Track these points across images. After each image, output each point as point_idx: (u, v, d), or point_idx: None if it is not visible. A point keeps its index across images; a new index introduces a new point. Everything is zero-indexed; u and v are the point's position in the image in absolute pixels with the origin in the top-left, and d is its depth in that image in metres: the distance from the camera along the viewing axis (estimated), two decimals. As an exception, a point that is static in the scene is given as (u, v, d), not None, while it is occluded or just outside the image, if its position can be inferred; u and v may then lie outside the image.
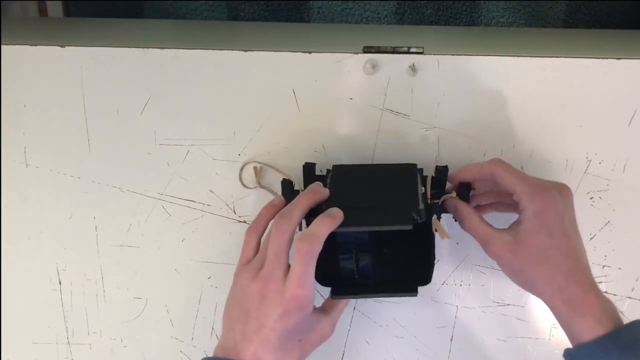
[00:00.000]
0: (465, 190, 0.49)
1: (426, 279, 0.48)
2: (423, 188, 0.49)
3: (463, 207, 0.48)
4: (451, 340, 0.58)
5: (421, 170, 0.51)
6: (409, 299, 0.57)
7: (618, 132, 0.53)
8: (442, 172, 0.50)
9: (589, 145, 0.53)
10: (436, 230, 0.47)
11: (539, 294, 0.46)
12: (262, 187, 0.55)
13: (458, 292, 0.57)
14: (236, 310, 0.45)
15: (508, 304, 0.57)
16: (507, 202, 0.51)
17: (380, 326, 0.58)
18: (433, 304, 0.57)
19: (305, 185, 0.50)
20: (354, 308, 0.58)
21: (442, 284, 0.57)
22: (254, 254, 0.48)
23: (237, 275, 0.47)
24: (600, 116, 0.53)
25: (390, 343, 0.58)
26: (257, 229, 0.48)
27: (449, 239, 0.48)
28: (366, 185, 0.48)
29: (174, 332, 0.59)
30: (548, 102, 0.53)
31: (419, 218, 0.45)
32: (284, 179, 0.51)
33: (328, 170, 0.52)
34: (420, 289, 0.48)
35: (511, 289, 0.57)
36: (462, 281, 0.57)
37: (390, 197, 0.47)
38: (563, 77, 0.52)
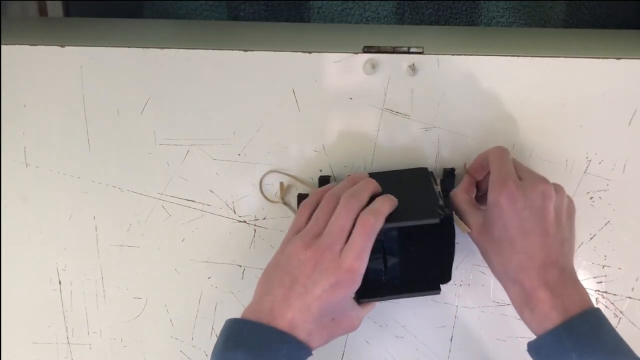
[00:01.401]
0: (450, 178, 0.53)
1: (447, 276, 0.50)
2: (438, 187, 0.50)
3: (460, 193, 0.51)
4: (451, 340, 0.58)
5: (432, 172, 0.53)
6: (409, 298, 0.57)
7: (618, 132, 0.53)
8: (449, 174, 0.52)
9: (589, 145, 0.53)
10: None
11: (498, 280, 0.48)
12: (285, 203, 0.55)
13: (458, 292, 0.57)
14: (280, 275, 0.45)
15: (508, 304, 0.57)
16: None
17: (380, 326, 0.58)
18: (433, 304, 0.57)
19: None
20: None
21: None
22: (305, 225, 0.47)
23: (287, 242, 0.47)
24: (600, 116, 0.53)
25: (390, 343, 0.58)
26: (312, 204, 0.48)
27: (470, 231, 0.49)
28: (385, 190, 0.49)
29: (174, 332, 0.59)
30: (548, 102, 0.53)
31: (443, 213, 0.46)
32: (299, 194, 0.53)
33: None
34: None
35: (511, 289, 0.57)
36: (462, 281, 0.57)
37: (410, 197, 0.48)
38: (563, 77, 0.52)
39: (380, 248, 0.51)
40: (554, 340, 0.42)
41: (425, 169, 0.52)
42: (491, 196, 0.46)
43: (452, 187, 0.52)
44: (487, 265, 0.55)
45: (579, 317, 0.42)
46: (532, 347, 0.45)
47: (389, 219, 0.45)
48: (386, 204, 0.46)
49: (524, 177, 0.47)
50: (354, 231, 0.44)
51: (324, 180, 0.53)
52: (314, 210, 0.48)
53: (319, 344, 0.45)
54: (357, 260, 0.43)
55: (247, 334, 0.43)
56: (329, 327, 0.45)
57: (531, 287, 0.44)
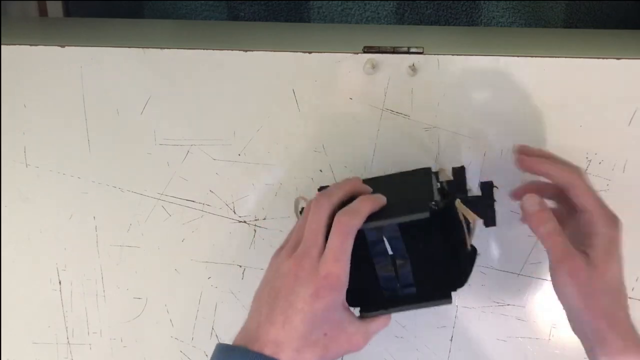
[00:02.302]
0: (489, 192, 0.50)
1: (460, 282, 0.47)
2: (439, 183, 0.49)
3: (545, 210, 0.45)
4: (451, 340, 0.58)
5: (436, 172, 0.51)
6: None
7: (618, 132, 0.53)
8: (458, 173, 0.50)
9: (589, 145, 0.53)
10: (465, 219, 0.45)
11: (592, 321, 0.44)
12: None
13: (458, 292, 0.57)
14: (267, 291, 0.43)
15: (508, 304, 0.57)
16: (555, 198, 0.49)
17: (380, 326, 0.58)
18: (433, 304, 0.57)
19: None
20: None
21: (442, 284, 0.57)
22: None
23: (273, 256, 0.45)
24: (600, 116, 0.53)
25: (390, 343, 0.58)
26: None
27: (481, 221, 0.47)
28: (383, 192, 0.47)
29: (174, 332, 0.59)
30: (548, 102, 0.52)
31: (436, 207, 0.44)
32: (320, 187, 0.50)
33: None
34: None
35: (511, 289, 0.56)
36: (462, 281, 0.57)
37: (406, 197, 0.46)
38: (563, 77, 0.52)
39: (385, 250, 0.48)
40: None
41: (428, 168, 0.50)
42: (608, 234, 0.44)
43: (465, 186, 0.50)
44: (487, 266, 0.56)
45: None
46: None
47: (376, 217, 0.43)
48: (366, 203, 0.43)
49: (593, 244, 0.44)
50: (330, 233, 0.42)
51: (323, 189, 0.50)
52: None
53: None
54: (334, 264, 0.41)
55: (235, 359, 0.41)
56: (321, 343, 0.42)
57: (631, 322, 0.43)
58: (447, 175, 0.51)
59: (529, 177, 0.52)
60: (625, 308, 0.44)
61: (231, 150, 0.55)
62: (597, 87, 0.52)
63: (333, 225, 0.42)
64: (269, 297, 0.42)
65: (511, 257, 0.56)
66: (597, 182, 0.54)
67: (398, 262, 0.47)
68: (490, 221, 0.51)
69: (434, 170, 0.51)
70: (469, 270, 0.46)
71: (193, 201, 0.56)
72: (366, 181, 0.50)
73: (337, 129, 0.54)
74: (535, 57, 0.52)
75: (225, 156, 0.55)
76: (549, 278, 0.56)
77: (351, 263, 0.42)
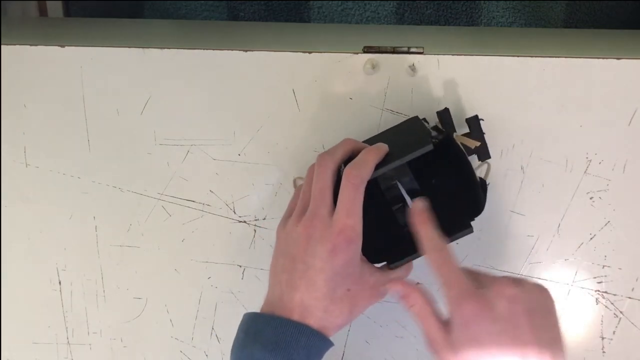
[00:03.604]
0: (476, 126, 0.49)
1: (477, 207, 0.46)
2: (429, 125, 0.49)
3: (415, 292, 0.42)
4: (451, 340, 0.58)
5: (424, 118, 0.51)
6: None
7: (618, 132, 0.53)
8: (443, 115, 0.49)
9: (589, 145, 0.53)
10: (464, 146, 0.47)
11: None
12: None
13: (458, 292, 0.57)
14: (281, 260, 0.43)
15: (508, 304, 0.57)
16: None
17: (380, 326, 0.58)
18: (433, 304, 0.57)
19: None
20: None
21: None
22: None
23: (280, 227, 0.45)
24: (600, 116, 0.53)
25: (390, 343, 0.58)
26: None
27: (479, 144, 0.47)
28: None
29: (174, 332, 0.59)
30: (548, 102, 0.53)
31: (436, 140, 0.44)
32: (295, 179, 0.52)
33: None
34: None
35: (511, 289, 0.56)
36: (462, 281, 0.56)
37: (406, 141, 0.47)
38: (563, 77, 0.52)
39: (400, 193, 0.48)
40: None
41: (416, 116, 0.51)
42: (457, 316, 0.39)
43: (452, 126, 0.49)
44: (487, 266, 0.56)
45: None
46: None
47: (383, 163, 0.44)
48: (370, 153, 0.43)
49: (478, 280, 0.40)
50: (340, 188, 0.41)
51: None
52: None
53: (343, 321, 0.42)
54: (348, 217, 0.40)
55: (263, 328, 0.41)
56: (346, 299, 0.42)
57: None
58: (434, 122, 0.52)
59: (532, 169, 0.52)
60: None
61: (231, 150, 0.55)
62: (597, 87, 0.52)
63: (342, 179, 0.42)
64: (286, 265, 0.42)
65: (511, 257, 0.56)
66: (597, 182, 0.54)
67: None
68: (483, 155, 0.51)
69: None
70: (483, 198, 0.47)
71: (193, 201, 0.56)
72: (364, 142, 0.50)
73: (337, 129, 0.54)
74: (535, 57, 0.52)
75: (225, 156, 0.55)
76: (549, 278, 0.56)
77: (368, 223, 0.42)
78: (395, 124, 0.53)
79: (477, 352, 0.38)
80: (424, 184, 0.49)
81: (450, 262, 0.41)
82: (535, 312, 0.39)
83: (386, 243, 0.48)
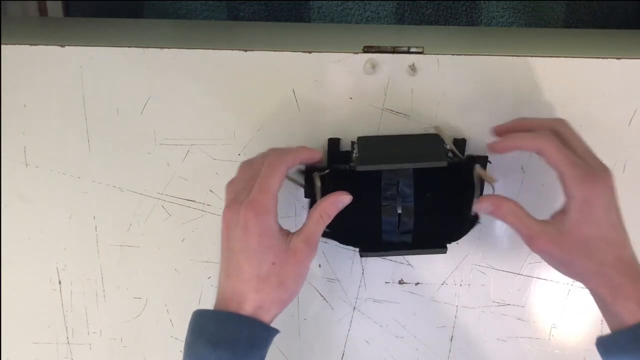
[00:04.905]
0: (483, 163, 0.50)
1: (457, 235, 0.49)
2: (448, 145, 0.50)
3: (504, 202, 0.45)
4: (451, 340, 0.58)
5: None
6: (409, 298, 0.57)
7: (618, 132, 0.53)
8: (459, 143, 0.51)
9: (589, 145, 0.53)
10: (481, 179, 0.48)
11: (585, 283, 0.44)
12: (289, 178, 0.54)
13: (458, 292, 0.57)
14: (220, 256, 0.45)
15: (508, 304, 0.57)
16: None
17: (380, 326, 0.58)
18: (433, 304, 0.57)
19: (329, 160, 0.52)
20: (354, 308, 0.58)
21: (442, 284, 0.57)
22: None
23: None
24: (600, 116, 0.53)
25: (390, 343, 0.58)
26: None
27: (497, 183, 0.48)
28: (394, 146, 0.49)
29: (174, 332, 0.59)
30: (548, 102, 0.52)
31: (451, 160, 0.46)
32: (306, 165, 0.52)
33: (352, 142, 0.52)
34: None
35: (511, 289, 0.57)
36: (462, 281, 0.57)
37: (419, 150, 0.48)
38: (563, 77, 0.52)
39: (394, 195, 0.50)
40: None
41: (437, 134, 0.52)
42: (580, 195, 0.42)
43: (463, 153, 0.51)
44: (487, 265, 0.56)
45: None
46: (606, 342, 0.42)
47: (396, 160, 0.45)
48: (299, 148, 0.46)
49: (588, 160, 0.44)
50: (262, 173, 0.44)
51: (333, 144, 0.53)
52: None
53: (278, 296, 0.43)
54: (259, 192, 0.42)
55: (206, 324, 0.42)
56: (274, 273, 0.42)
57: (630, 279, 0.42)
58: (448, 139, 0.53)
59: (532, 169, 0.52)
60: (621, 264, 0.42)
61: (231, 150, 0.55)
62: (597, 87, 0.52)
63: (265, 163, 0.44)
64: (221, 258, 0.44)
65: (511, 257, 0.56)
66: (597, 182, 0.54)
67: (403, 207, 0.50)
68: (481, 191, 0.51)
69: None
70: (467, 229, 0.49)
71: (193, 201, 0.56)
72: (374, 138, 0.52)
73: (337, 129, 0.54)
74: (535, 57, 0.52)
75: (225, 156, 0.55)
76: (549, 278, 0.56)
77: (358, 204, 0.44)
78: (395, 124, 0.53)
79: (594, 226, 0.42)
80: (418, 194, 0.51)
81: (567, 149, 0.44)
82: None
83: (362, 231, 0.49)
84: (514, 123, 0.48)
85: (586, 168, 0.43)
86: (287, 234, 0.45)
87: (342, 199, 0.45)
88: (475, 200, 0.47)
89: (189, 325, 0.44)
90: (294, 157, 0.46)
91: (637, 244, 0.55)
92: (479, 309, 0.57)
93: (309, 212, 0.46)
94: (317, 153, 0.47)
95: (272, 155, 0.45)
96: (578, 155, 0.44)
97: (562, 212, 0.44)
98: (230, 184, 0.47)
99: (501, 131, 0.48)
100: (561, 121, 0.46)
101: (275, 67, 0.53)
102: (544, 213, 0.48)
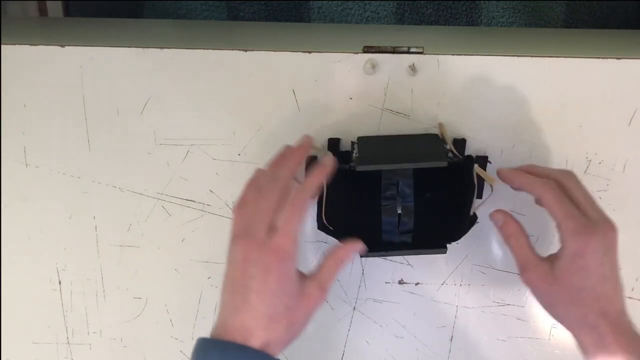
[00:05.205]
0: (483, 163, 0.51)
1: (456, 235, 0.49)
2: (448, 145, 0.50)
3: (514, 223, 0.47)
4: (451, 340, 0.58)
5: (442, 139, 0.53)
6: (409, 298, 0.57)
7: (618, 132, 0.53)
8: (459, 143, 0.52)
9: (589, 145, 0.53)
10: (480, 179, 0.48)
11: (568, 328, 0.45)
12: None
13: (458, 292, 0.57)
14: (227, 283, 0.44)
15: (508, 304, 0.57)
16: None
17: (380, 326, 0.58)
18: (433, 304, 0.57)
19: None
20: (354, 308, 0.58)
21: (442, 284, 0.57)
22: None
23: (229, 248, 0.46)
24: (600, 116, 0.53)
25: (390, 343, 0.58)
26: (243, 204, 0.46)
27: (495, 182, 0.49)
28: (394, 146, 0.49)
29: (174, 332, 0.59)
30: (548, 102, 0.53)
31: (450, 160, 0.46)
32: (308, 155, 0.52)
33: (352, 142, 0.52)
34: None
35: (511, 289, 0.57)
36: (462, 281, 0.57)
37: (419, 150, 0.48)
38: (563, 77, 0.52)
39: (394, 195, 0.50)
40: None
41: (436, 134, 0.52)
42: (572, 247, 0.43)
43: (463, 153, 0.52)
44: (487, 265, 0.56)
45: None
46: None
47: (396, 160, 0.45)
48: (317, 176, 0.44)
49: (588, 213, 0.45)
50: (283, 209, 0.43)
51: (333, 144, 0.53)
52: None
53: (286, 335, 0.43)
54: (283, 237, 0.42)
55: (210, 352, 0.42)
56: (285, 315, 0.43)
57: (612, 331, 0.42)
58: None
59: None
60: (607, 317, 0.43)
61: (231, 150, 0.55)
62: (597, 87, 0.52)
63: (286, 202, 0.43)
64: (229, 287, 0.43)
65: (511, 257, 0.56)
66: (597, 182, 0.54)
67: (403, 207, 0.50)
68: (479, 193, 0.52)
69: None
70: (466, 229, 0.49)
71: (193, 201, 0.56)
72: (374, 138, 0.52)
73: (337, 129, 0.54)
74: (535, 57, 0.52)
75: (225, 156, 0.55)
76: (549, 278, 0.56)
77: (358, 204, 0.44)
78: (395, 124, 0.53)
79: (583, 277, 0.43)
80: (418, 194, 0.51)
81: (567, 200, 0.45)
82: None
83: (362, 231, 0.49)
84: (522, 168, 0.49)
85: (583, 221, 0.44)
86: (302, 277, 0.45)
87: (357, 248, 0.46)
88: (475, 201, 0.48)
89: (193, 351, 0.43)
90: (314, 188, 0.45)
91: (636, 246, 0.55)
92: (479, 309, 0.57)
93: (323, 256, 0.46)
94: (330, 169, 0.46)
95: (300, 194, 0.44)
96: (579, 208, 0.45)
97: (557, 257, 0.45)
98: (240, 209, 0.45)
99: (506, 174, 0.48)
100: (568, 172, 0.47)
101: (275, 67, 0.53)
102: (543, 213, 0.48)
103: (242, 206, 0.45)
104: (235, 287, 0.43)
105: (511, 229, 0.47)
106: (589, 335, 0.43)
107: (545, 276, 0.45)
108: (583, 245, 0.43)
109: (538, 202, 0.47)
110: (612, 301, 0.44)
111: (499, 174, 0.48)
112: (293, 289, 0.43)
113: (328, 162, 0.46)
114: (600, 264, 0.44)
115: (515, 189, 0.48)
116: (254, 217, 0.43)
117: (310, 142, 0.48)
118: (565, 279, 0.44)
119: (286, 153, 0.48)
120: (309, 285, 0.44)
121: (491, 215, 0.48)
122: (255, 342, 0.42)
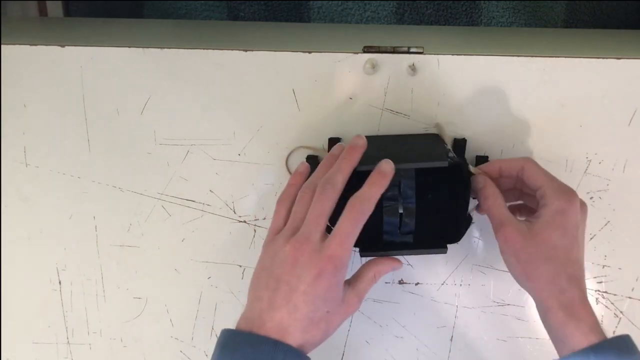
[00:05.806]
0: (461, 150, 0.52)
1: (456, 236, 0.49)
2: (447, 145, 0.50)
3: (491, 186, 0.48)
4: (451, 340, 0.58)
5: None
6: (409, 298, 0.57)
7: (618, 132, 0.53)
8: (459, 144, 0.52)
9: (589, 145, 0.53)
10: (473, 174, 0.49)
11: (535, 290, 0.45)
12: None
13: (458, 292, 0.57)
14: (264, 277, 0.43)
15: (508, 304, 0.57)
16: (528, 203, 0.51)
17: (380, 326, 0.58)
18: (433, 304, 0.57)
19: None
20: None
21: (442, 284, 0.57)
22: (285, 223, 0.46)
23: (268, 243, 0.45)
24: (600, 116, 0.53)
25: (390, 343, 0.58)
26: (288, 199, 0.47)
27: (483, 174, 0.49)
28: (395, 147, 0.50)
29: (174, 332, 0.59)
30: (548, 102, 0.53)
31: (452, 160, 0.46)
32: (308, 156, 0.53)
33: None
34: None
35: (511, 289, 0.57)
36: (462, 281, 0.57)
37: (420, 147, 0.49)
38: (563, 77, 0.52)
39: (396, 196, 0.50)
40: (596, 357, 0.41)
41: (436, 134, 0.52)
42: (556, 203, 0.45)
43: (463, 157, 0.53)
44: (487, 265, 0.56)
45: (618, 339, 0.42)
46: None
47: (397, 160, 0.45)
48: (377, 186, 0.43)
49: (565, 184, 0.47)
50: (341, 217, 0.43)
51: (333, 144, 0.52)
52: (291, 205, 0.46)
53: (320, 339, 0.44)
54: (340, 246, 0.42)
55: (241, 345, 0.41)
56: (324, 319, 0.43)
57: (580, 297, 0.43)
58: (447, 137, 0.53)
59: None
60: (576, 282, 0.44)
61: (231, 150, 0.55)
62: (597, 87, 0.52)
63: (346, 209, 0.43)
64: (269, 284, 0.43)
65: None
66: (597, 182, 0.54)
67: (404, 208, 0.50)
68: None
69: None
70: (463, 230, 0.50)
71: (193, 201, 0.56)
72: (374, 138, 0.52)
73: (337, 129, 0.54)
74: (535, 57, 0.52)
75: (225, 156, 0.55)
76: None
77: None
78: (395, 124, 0.53)
79: (560, 237, 0.44)
80: (420, 195, 0.51)
81: (548, 173, 0.47)
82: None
83: (363, 231, 0.49)
84: (492, 163, 0.50)
85: (565, 185, 0.46)
86: (345, 284, 0.46)
87: (396, 265, 0.48)
88: (472, 201, 0.48)
89: (219, 342, 0.43)
90: (376, 200, 0.44)
91: (636, 246, 0.55)
92: (479, 309, 0.57)
93: (363, 266, 0.47)
94: (388, 180, 0.45)
95: (359, 205, 0.43)
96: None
97: (536, 216, 0.46)
98: (289, 205, 0.46)
99: (488, 171, 0.50)
100: (529, 158, 0.49)
101: (275, 67, 0.53)
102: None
103: (292, 202, 0.46)
104: (278, 285, 0.42)
105: (490, 191, 0.47)
106: (557, 299, 0.43)
107: (522, 231, 0.45)
108: (566, 203, 0.44)
109: (520, 173, 0.48)
110: (581, 268, 0.45)
111: (481, 183, 0.49)
112: (338, 296, 0.44)
113: (388, 174, 0.44)
114: (576, 227, 0.45)
115: (483, 211, 0.48)
116: (309, 219, 0.43)
117: (365, 143, 0.46)
118: (544, 233, 0.44)
119: (342, 155, 0.46)
120: (349, 294, 0.45)
121: (473, 178, 0.49)
122: (292, 341, 0.42)
